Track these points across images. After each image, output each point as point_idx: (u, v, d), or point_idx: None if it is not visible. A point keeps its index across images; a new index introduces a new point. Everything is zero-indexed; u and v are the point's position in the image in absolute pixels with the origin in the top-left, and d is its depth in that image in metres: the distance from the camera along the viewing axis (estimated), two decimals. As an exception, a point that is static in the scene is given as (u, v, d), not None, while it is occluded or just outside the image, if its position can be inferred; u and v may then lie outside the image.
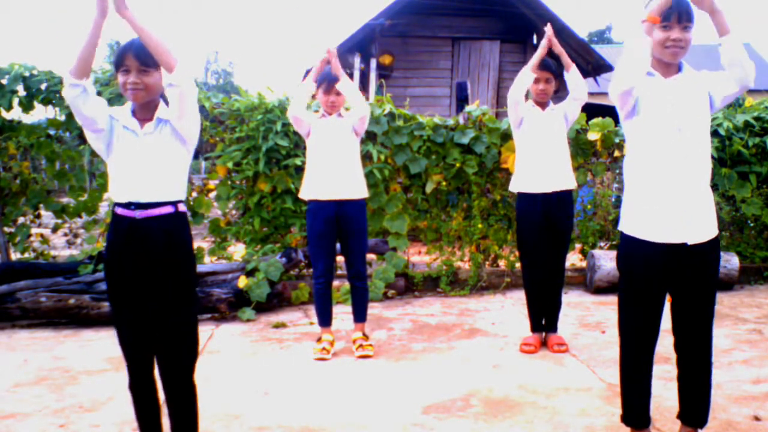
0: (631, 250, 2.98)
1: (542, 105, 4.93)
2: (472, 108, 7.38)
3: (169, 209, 2.85)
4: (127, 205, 2.81)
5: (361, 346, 4.81)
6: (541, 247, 4.89)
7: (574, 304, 6.40)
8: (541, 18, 13.76)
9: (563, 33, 13.92)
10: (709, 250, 2.93)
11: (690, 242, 2.86)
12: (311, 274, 6.87)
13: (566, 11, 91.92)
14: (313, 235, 4.75)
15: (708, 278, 2.95)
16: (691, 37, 2.83)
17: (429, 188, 7.14)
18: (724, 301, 6.30)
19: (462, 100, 13.69)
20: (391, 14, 13.13)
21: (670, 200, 2.87)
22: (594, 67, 14.30)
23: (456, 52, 14.39)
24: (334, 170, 4.68)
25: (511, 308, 6.30)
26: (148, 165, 2.81)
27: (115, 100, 6.31)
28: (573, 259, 7.44)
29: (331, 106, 4.69)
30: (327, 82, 4.66)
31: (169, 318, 2.85)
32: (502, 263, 7.39)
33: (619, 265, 3.07)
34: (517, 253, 7.19)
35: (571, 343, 5.06)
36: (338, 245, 4.87)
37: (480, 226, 7.16)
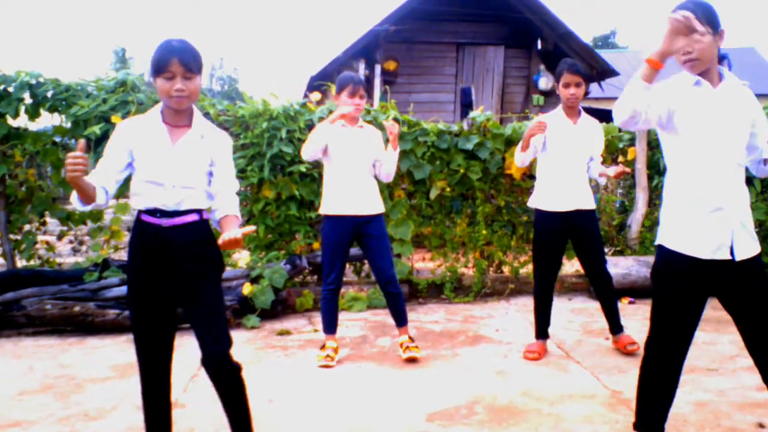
0: (672, 264, 2.96)
1: (573, 113, 4.89)
2: (476, 114, 7.39)
3: (194, 217, 2.87)
4: (153, 212, 2.81)
5: (408, 348, 4.82)
6: (554, 262, 4.93)
7: (578, 311, 6.40)
8: (545, 23, 13.78)
9: (568, 38, 13.94)
10: (756, 264, 2.91)
11: (738, 258, 2.86)
12: (315, 281, 6.88)
13: (571, 16, 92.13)
14: (330, 242, 4.76)
15: (763, 289, 2.91)
16: (706, 45, 2.75)
17: (433, 194, 7.14)
18: (728, 307, 6.29)
19: (466, 106, 13.70)
20: (396, 20, 13.14)
21: (718, 215, 2.86)
22: (599, 72, 14.29)
23: (460, 58, 14.40)
24: (354, 186, 4.72)
25: (515, 315, 6.30)
26: (178, 174, 2.82)
27: (120, 107, 6.33)
28: (577, 265, 7.42)
29: (357, 110, 4.68)
30: (353, 84, 4.66)
31: (203, 312, 2.88)
32: (506, 269, 7.39)
33: (656, 277, 3.04)
34: (520, 260, 7.22)
35: (574, 350, 5.06)
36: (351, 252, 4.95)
37: (484, 232, 7.16)
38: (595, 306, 6.63)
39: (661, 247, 3.01)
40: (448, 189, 7.19)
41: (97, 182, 2.76)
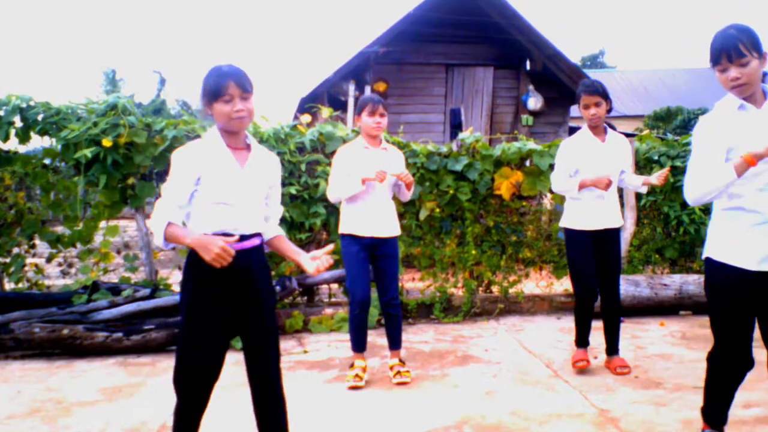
0: (721, 276, 3.09)
1: (599, 131, 4.94)
2: (466, 135, 7.44)
3: (257, 241, 2.94)
4: (221, 236, 2.80)
5: (399, 372, 4.84)
6: (591, 270, 4.95)
7: (567, 330, 6.42)
8: (534, 44, 13.91)
9: (556, 59, 14.07)
10: None
11: None
12: (305, 302, 6.89)
13: (559, 37, 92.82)
14: (351, 259, 4.79)
15: None
16: (753, 69, 2.86)
17: (423, 215, 7.18)
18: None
19: (456, 127, 13.79)
20: (386, 42, 13.25)
21: (763, 229, 2.96)
22: (587, 92, 14.38)
23: (450, 79, 14.51)
24: (375, 207, 4.79)
25: (504, 334, 6.32)
26: (248, 196, 2.88)
27: (110, 130, 6.32)
28: (566, 284, 7.46)
29: (377, 128, 4.74)
30: (372, 104, 4.73)
31: (262, 335, 2.99)
32: (495, 289, 7.41)
33: (709, 289, 3.18)
34: (510, 279, 7.25)
35: (563, 369, 5.09)
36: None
37: (473, 252, 7.19)
38: (584, 325, 6.65)
39: (708, 260, 3.14)
40: (437, 210, 7.22)
41: (180, 213, 2.82)
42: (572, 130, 14.75)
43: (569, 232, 4.99)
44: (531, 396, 4.50)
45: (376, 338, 6.12)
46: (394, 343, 4.96)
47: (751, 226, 2.96)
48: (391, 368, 4.91)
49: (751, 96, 2.96)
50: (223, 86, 2.75)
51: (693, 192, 3.02)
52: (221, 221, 2.83)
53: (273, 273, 6.79)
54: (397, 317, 4.92)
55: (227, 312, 2.88)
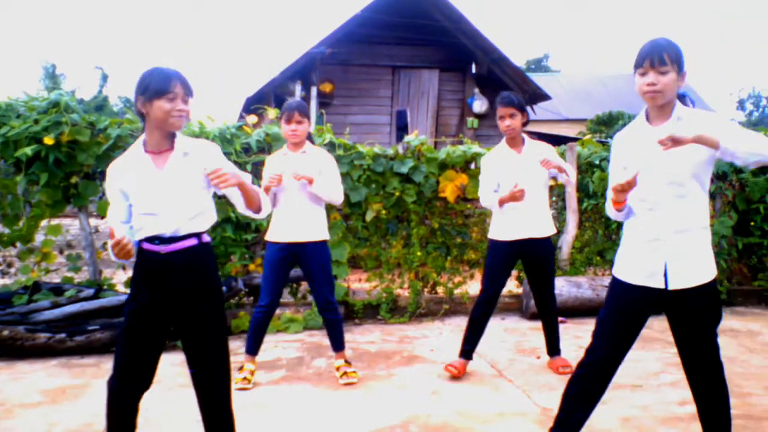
0: (615, 289, 3.18)
1: (516, 143, 4.97)
2: (411, 138, 7.52)
3: (193, 242, 2.88)
4: (152, 240, 2.82)
5: (345, 373, 4.87)
6: (499, 289, 5.03)
7: (510, 330, 6.54)
8: (480, 48, 14.08)
9: (501, 62, 14.27)
10: (697, 296, 3.00)
11: (671, 287, 3.00)
12: (251, 303, 6.87)
13: (504, 40, 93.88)
14: (265, 263, 4.83)
15: (699, 324, 3.04)
16: (670, 80, 2.90)
17: (369, 216, 7.22)
18: (653, 325, 6.50)
19: (402, 128, 13.88)
20: (332, 42, 13.28)
21: (650, 246, 3.03)
22: (531, 96, 14.65)
23: (396, 81, 14.60)
24: (295, 212, 4.77)
25: (449, 335, 6.40)
26: (171, 199, 2.84)
27: (52, 128, 6.21)
28: (509, 286, 7.58)
29: (293, 135, 4.73)
30: (288, 112, 4.71)
31: (205, 346, 2.91)
32: (440, 290, 7.50)
33: (606, 300, 3.24)
34: (455, 281, 7.34)
35: (507, 369, 5.18)
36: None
37: (419, 253, 7.27)
38: (527, 325, 6.79)
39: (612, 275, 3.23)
40: (383, 211, 7.28)
41: (124, 228, 2.86)
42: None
43: (491, 242, 5.06)
44: (476, 395, 4.58)
45: (323, 339, 6.14)
46: (336, 345, 5.00)
47: (642, 243, 3.07)
48: (338, 369, 4.95)
49: (660, 110, 3.01)
50: (170, 84, 2.77)
51: (607, 212, 3.26)
52: (148, 227, 2.85)
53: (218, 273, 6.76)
54: (335, 321, 4.94)
55: (163, 314, 2.88)
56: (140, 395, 2.95)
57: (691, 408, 4.24)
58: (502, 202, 4.84)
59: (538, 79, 25.40)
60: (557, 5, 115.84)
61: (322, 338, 6.15)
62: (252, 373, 4.85)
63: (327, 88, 13.84)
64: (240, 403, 4.41)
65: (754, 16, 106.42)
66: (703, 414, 3.16)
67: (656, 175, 2.99)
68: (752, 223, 7.99)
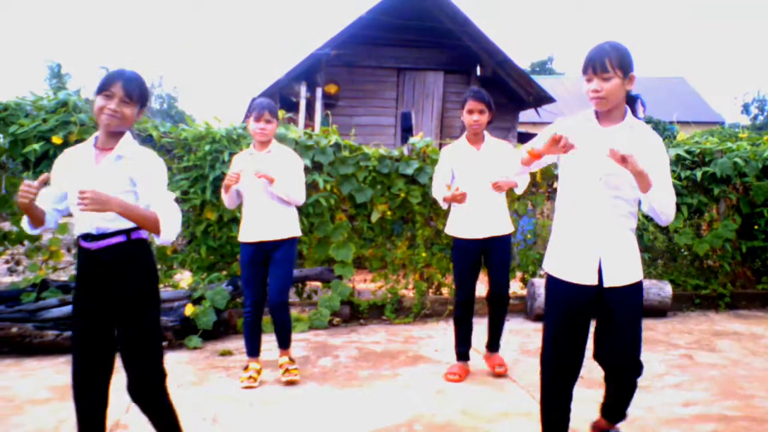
0: (552, 288, 3.23)
1: (477, 139, 4.99)
2: (416, 140, 7.56)
3: (120, 239, 2.90)
4: (84, 237, 2.89)
5: (287, 371, 4.89)
6: (473, 286, 5.09)
7: (515, 331, 6.57)
8: (484, 51, 14.09)
9: (506, 65, 14.28)
10: (628, 294, 3.10)
11: (606, 285, 3.07)
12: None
13: (509, 43, 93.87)
14: (241, 264, 4.88)
15: (628, 319, 3.12)
16: (614, 86, 2.94)
17: (374, 217, 7.26)
18: (657, 328, 6.54)
19: (406, 130, 13.90)
20: (337, 44, 13.30)
21: (584, 244, 3.09)
22: (535, 98, 14.66)
23: (401, 82, 14.62)
24: (260, 211, 4.78)
25: (453, 335, 6.41)
26: None
27: (60, 127, 6.29)
28: (514, 287, 7.61)
29: (260, 133, 4.73)
30: (257, 111, 4.70)
31: (135, 340, 2.91)
32: (445, 291, 7.53)
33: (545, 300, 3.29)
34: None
35: (512, 369, 5.21)
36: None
37: (423, 254, 7.31)
38: (531, 327, 6.82)
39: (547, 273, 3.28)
40: (388, 212, 7.32)
41: (45, 207, 2.90)
42: (521, 135, 15.01)
43: (454, 240, 5.09)
44: (480, 395, 4.61)
45: (328, 338, 6.18)
46: (281, 343, 4.99)
47: (567, 240, 3.15)
48: (280, 366, 4.97)
49: (608, 113, 3.06)
50: (110, 83, 2.83)
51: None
52: (80, 222, 2.91)
53: (224, 272, 6.81)
54: (282, 322, 4.90)
55: (100, 310, 2.91)
56: (102, 385, 2.97)
57: (695, 409, 4.30)
58: (446, 200, 4.89)
59: (543, 81, 25.47)
60: (562, 8, 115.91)
61: (327, 338, 6.19)
62: (258, 372, 4.88)
63: (332, 89, 13.87)
64: (246, 401, 4.46)
65: (759, 18, 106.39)
66: (610, 399, 3.50)
67: (595, 174, 3.04)
68: (756, 227, 8.04)
